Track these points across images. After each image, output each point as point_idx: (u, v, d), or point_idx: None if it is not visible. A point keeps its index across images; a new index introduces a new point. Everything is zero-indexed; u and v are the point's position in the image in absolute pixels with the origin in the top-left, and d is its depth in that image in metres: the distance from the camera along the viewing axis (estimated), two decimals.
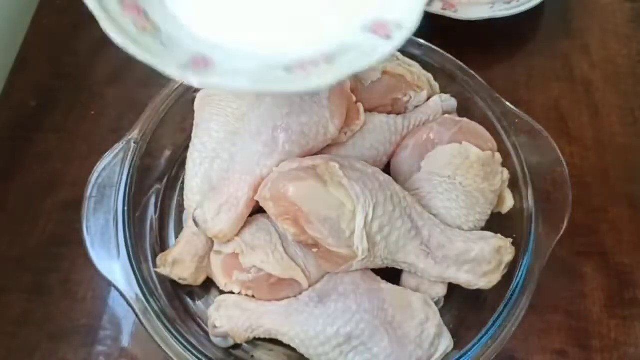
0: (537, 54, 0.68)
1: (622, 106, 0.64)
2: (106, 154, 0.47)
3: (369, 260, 0.42)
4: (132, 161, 0.47)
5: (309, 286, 0.44)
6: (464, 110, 0.53)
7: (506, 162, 0.49)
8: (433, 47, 0.55)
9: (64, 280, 0.51)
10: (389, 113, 0.51)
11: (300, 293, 0.44)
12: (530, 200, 0.48)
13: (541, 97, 0.64)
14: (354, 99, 0.47)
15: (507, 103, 0.52)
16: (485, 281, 0.44)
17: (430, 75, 0.53)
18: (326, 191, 0.40)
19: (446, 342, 0.43)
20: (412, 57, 0.54)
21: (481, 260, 0.43)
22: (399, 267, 0.44)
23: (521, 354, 0.49)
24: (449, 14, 0.65)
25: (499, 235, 0.45)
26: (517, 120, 0.51)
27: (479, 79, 0.53)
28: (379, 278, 0.45)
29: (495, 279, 0.44)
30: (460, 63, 0.54)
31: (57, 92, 0.62)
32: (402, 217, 0.42)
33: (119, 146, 0.48)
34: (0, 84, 0.63)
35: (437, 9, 0.65)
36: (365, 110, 0.48)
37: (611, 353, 0.50)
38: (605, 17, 0.72)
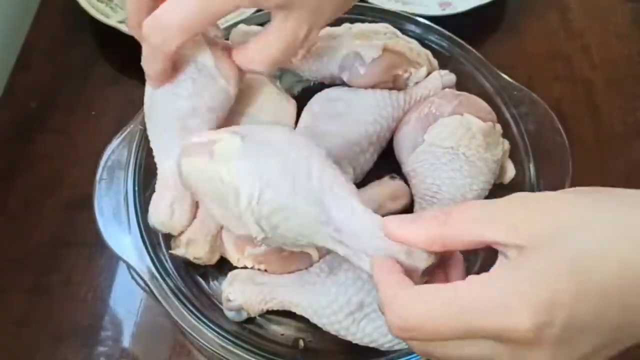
0: (538, 54, 0.68)
1: (622, 106, 0.64)
2: (114, 137, 0.48)
3: (276, 240, 0.38)
4: (139, 142, 0.48)
5: (319, 258, 0.45)
6: (462, 85, 0.54)
7: (506, 134, 0.50)
8: (430, 24, 0.56)
9: (64, 280, 0.51)
10: (390, 89, 0.52)
11: (311, 265, 0.45)
12: (531, 170, 0.49)
13: (542, 98, 0.64)
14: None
15: (505, 76, 0.53)
16: None
17: (428, 52, 0.54)
18: (211, 168, 0.37)
19: None
20: (410, 35, 0.55)
21: None
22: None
23: None
24: (449, 11, 0.65)
25: None
26: (515, 92, 0.52)
27: (477, 53, 0.54)
28: None
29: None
30: (457, 39, 0.55)
31: (57, 92, 0.62)
32: (308, 201, 0.37)
33: (126, 129, 0.49)
34: (1, 85, 0.63)
35: (435, 11, 0.65)
36: (367, 87, 0.50)
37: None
38: (606, 17, 0.72)
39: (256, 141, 0.38)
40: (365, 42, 0.50)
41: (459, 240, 0.29)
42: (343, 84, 0.52)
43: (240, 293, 0.44)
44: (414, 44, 0.53)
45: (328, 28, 0.54)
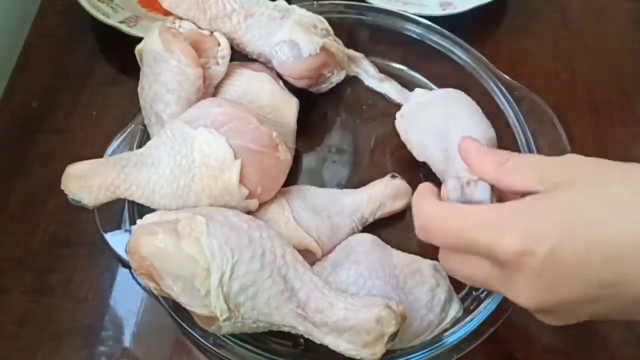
0: (538, 54, 0.68)
1: (624, 107, 0.64)
2: (115, 137, 0.48)
3: (237, 320, 0.40)
4: (140, 142, 0.48)
5: (322, 256, 0.45)
6: (463, 85, 0.54)
7: (506, 133, 0.51)
8: (431, 24, 0.56)
9: (65, 280, 0.51)
10: (309, 86, 0.54)
11: (314, 263, 0.45)
12: None
13: (542, 98, 0.64)
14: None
15: (505, 76, 0.53)
16: (367, 352, 0.39)
17: (350, 52, 0.56)
18: (178, 247, 0.38)
19: (456, 307, 0.44)
20: (410, 35, 0.57)
21: (360, 330, 0.39)
22: (284, 330, 0.41)
23: (522, 355, 0.49)
24: (449, 11, 0.65)
25: (389, 301, 0.40)
26: (515, 92, 0.52)
27: (477, 53, 0.55)
28: (389, 246, 0.46)
29: (378, 351, 0.39)
30: (458, 39, 0.56)
31: (58, 92, 0.62)
32: (273, 277, 0.39)
33: (127, 129, 0.49)
34: (1, 85, 0.63)
35: (435, 11, 0.65)
36: (293, 78, 0.52)
37: (613, 353, 0.50)
38: (606, 17, 0.72)
39: (218, 221, 0.40)
40: (306, 35, 0.51)
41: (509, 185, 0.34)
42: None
43: None
44: (341, 45, 0.55)
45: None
